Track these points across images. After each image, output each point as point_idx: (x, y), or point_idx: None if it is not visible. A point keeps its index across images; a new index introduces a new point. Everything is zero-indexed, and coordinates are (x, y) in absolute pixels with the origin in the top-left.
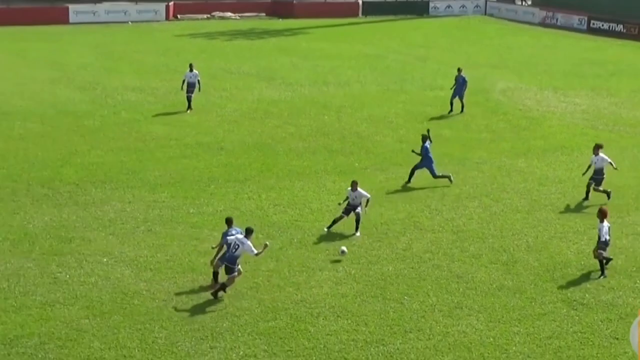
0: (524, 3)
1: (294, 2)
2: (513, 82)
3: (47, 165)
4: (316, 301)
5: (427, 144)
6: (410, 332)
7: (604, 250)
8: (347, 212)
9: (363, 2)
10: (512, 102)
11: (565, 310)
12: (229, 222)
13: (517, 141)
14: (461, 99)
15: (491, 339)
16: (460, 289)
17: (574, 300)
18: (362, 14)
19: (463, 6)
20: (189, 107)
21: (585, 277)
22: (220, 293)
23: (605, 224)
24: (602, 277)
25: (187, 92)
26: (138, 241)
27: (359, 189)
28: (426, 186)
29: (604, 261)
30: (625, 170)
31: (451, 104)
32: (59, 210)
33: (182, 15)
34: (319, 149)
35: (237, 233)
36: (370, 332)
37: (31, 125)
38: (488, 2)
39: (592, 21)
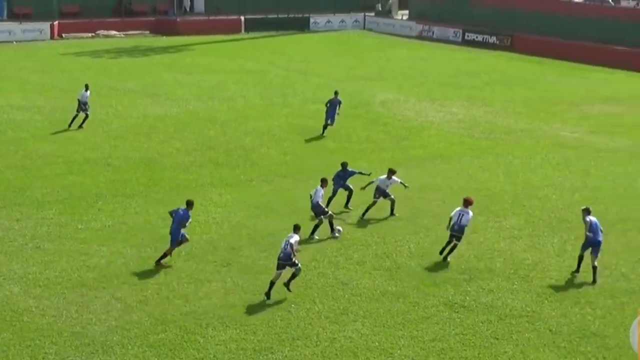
0: (402, 17)
1: (178, 19)
2: (392, 94)
3: None
4: (205, 312)
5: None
6: (298, 339)
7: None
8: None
9: (245, 19)
10: (392, 113)
11: (447, 313)
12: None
13: (397, 151)
14: (332, 120)
15: (377, 344)
16: (346, 296)
17: (456, 303)
18: (245, 30)
19: (342, 21)
20: (82, 124)
21: (466, 280)
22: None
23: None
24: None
25: (82, 110)
26: (26, 258)
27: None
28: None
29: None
30: (501, 176)
31: (325, 126)
32: None
33: (67, 34)
34: (205, 163)
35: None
36: (259, 340)
37: None
38: (366, 17)
39: (466, 33)
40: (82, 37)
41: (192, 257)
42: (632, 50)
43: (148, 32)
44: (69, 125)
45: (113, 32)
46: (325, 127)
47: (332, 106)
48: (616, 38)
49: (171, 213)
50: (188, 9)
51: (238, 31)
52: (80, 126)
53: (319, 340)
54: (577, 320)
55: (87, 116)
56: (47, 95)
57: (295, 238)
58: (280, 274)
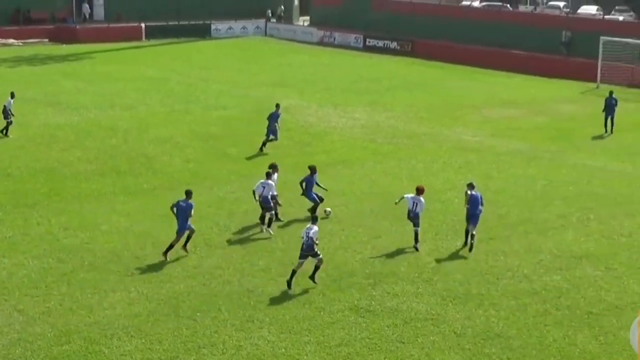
0: (304, 23)
1: (77, 27)
2: (295, 100)
3: None
4: (109, 322)
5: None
6: (204, 347)
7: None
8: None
9: (146, 26)
10: (295, 119)
11: (353, 318)
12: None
13: (301, 156)
14: (275, 135)
15: (283, 350)
16: (252, 303)
17: (361, 308)
18: (146, 37)
19: (244, 27)
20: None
21: (371, 285)
22: None
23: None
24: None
25: (5, 117)
26: None
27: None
28: (214, 204)
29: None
30: (404, 180)
31: (264, 143)
32: None
33: None
34: (107, 172)
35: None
36: (165, 349)
37: None
38: (268, 23)
39: (367, 39)
40: None
41: (96, 268)
42: (529, 55)
43: (47, 40)
44: (4, 133)
45: (11, 41)
46: (264, 143)
47: (273, 119)
48: (514, 43)
49: (172, 208)
50: (88, 17)
51: (139, 38)
52: (6, 134)
53: (225, 348)
54: (481, 322)
55: (9, 123)
56: None
57: (314, 229)
58: (302, 263)
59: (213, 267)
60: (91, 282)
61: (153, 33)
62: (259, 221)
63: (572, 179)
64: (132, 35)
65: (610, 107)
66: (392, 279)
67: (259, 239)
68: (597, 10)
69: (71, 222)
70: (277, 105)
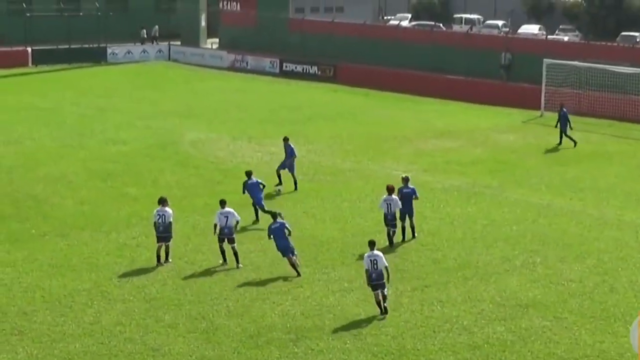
0: (212, 46)
1: None
2: (203, 132)
3: None
4: None
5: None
6: None
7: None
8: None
9: (33, 50)
10: (203, 154)
11: None
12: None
13: (212, 196)
14: (291, 171)
15: None
16: None
17: None
18: (33, 63)
19: (144, 51)
20: None
21: (293, 341)
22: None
23: (393, 197)
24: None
25: None
26: None
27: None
28: (112, 252)
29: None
30: (329, 222)
31: (278, 175)
32: None
33: None
34: None
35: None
36: None
37: None
38: (172, 47)
39: (284, 63)
40: None
41: None
42: (466, 80)
43: None
44: None
45: None
46: (295, 182)
47: (287, 154)
48: (449, 66)
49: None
50: None
51: (25, 64)
52: None
53: None
54: None
55: None
56: None
57: (383, 259)
58: (378, 294)
59: (113, 323)
60: None
61: (40, 58)
62: (221, 260)
63: (515, 217)
64: (16, 61)
65: (563, 118)
66: (317, 333)
67: (164, 291)
68: (540, 30)
69: None
70: (285, 139)
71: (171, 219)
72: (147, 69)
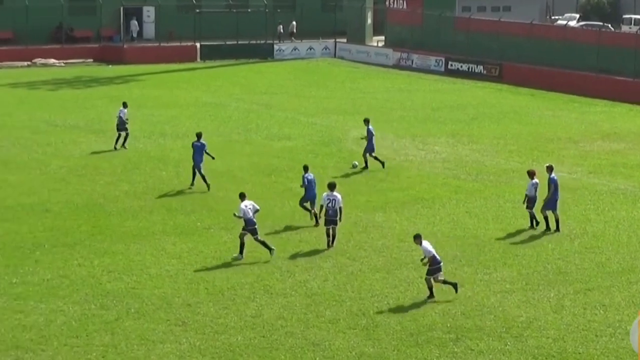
0: (378, 44)
1: (125, 46)
2: None
3: None
4: None
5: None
6: None
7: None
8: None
9: (201, 46)
10: None
11: None
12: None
13: (374, 194)
14: (368, 153)
15: None
16: (317, 358)
17: None
18: (201, 58)
19: (311, 48)
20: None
21: (453, 340)
22: None
23: (534, 181)
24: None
25: (122, 129)
26: None
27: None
28: (276, 246)
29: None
30: (491, 222)
31: (366, 159)
32: None
33: None
34: (157, 208)
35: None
36: None
37: None
38: (338, 44)
39: (450, 62)
40: (17, 66)
41: (143, 315)
42: (634, 81)
43: (91, 60)
44: (114, 147)
45: (52, 61)
46: (381, 162)
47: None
48: (617, 67)
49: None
50: (136, 35)
51: (193, 59)
52: (123, 145)
53: None
54: None
55: (128, 135)
56: None
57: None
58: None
59: (274, 317)
60: (137, 332)
61: (209, 54)
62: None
63: None
64: (185, 56)
65: None
66: (477, 334)
67: (325, 287)
68: None
69: (116, 265)
70: (367, 121)
71: (341, 204)
72: (312, 66)
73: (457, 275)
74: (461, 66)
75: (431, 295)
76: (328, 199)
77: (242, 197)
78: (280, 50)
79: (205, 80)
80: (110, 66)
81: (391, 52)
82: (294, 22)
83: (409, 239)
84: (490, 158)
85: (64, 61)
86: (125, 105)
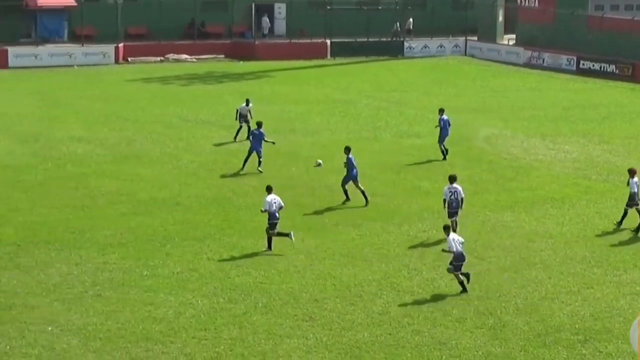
0: (509, 42)
1: (256, 42)
2: (497, 129)
3: None
4: None
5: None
6: None
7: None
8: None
9: (332, 43)
10: (497, 150)
11: None
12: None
13: (503, 193)
14: (441, 142)
15: None
16: (443, 357)
17: None
18: (331, 55)
19: (441, 46)
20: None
21: (581, 342)
22: None
23: (635, 179)
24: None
25: (244, 122)
26: (86, 307)
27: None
28: (402, 243)
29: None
30: (623, 224)
31: (442, 151)
32: None
33: (133, 58)
34: (286, 204)
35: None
36: None
37: None
38: (468, 42)
39: (581, 61)
40: (150, 62)
41: (270, 310)
42: None
43: (223, 56)
44: (235, 139)
45: (184, 56)
46: (445, 154)
47: (443, 128)
48: None
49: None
50: (267, 31)
51: (324, 56)
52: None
53: None
54: None
55: (241, 127)
56: (111, 126)
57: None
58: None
59: (401, 314)
60: (265, 326)
61: (339, 51)
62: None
63: None
64: (316, 53)
65: None
66: (606, 336)
67: (452, 285)
68: None
69: (244, 259)
70: (441, 110)
71: (462, 195)
72: (442, 64)
73: (585, 277)
74: (593, 65)
75: (464, 289)
76: (450, 192)
77: (269, 190)
78: (410, 48)
79: (335, 77)
80: (241, 62)
81: (522, 51)
82: (411, 20)
83: (538, 239)
84: (621, 158)
85: (196, 57)
86: (247, 102)
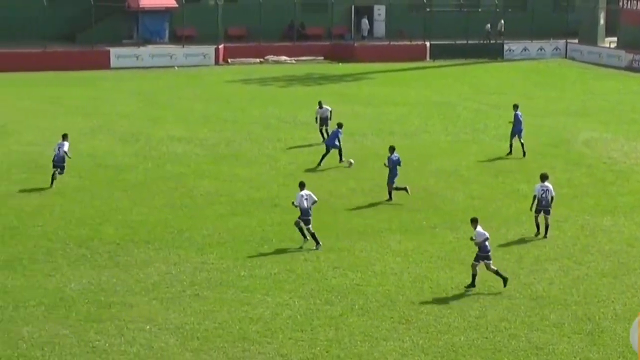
0: (610, 45)
1: (355, 44)
2: (597, 132)
3: (85, 223)
4: None
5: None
6: None
7: None
8: None
9: (431, 45)
10: (596, 154)
11: None
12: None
13: (602, 197)
14: (520, 139)
15: None
16: None
17: None
18: (430, 57)
19: (541, 49)
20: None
21: None
22: None
23: None
24: None
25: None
26: (184, 307)
27: None
28: (501, 248)
29: None
30: None
31: (510, 145)
32: (97, 273)
33: (233, 59)
34: (383, 206)
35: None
36: None
37: (68, 179)
38: (569, 45)
39: None
40: (250, 63)
41: (367, 312)
42: None
43: (322, 58)
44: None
45: (283, 58)
46: (516, 147)
47: (516, 123)
48: None
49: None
50: (367, 33)
51: (423, 58)
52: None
53: None
54: None
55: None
56: (211, 126)
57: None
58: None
59: (497, 319)
60: (361, 328)
61: (438, 53)
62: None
63: None
64: (415, 55)
65: None
66: None
67: (551, 290)
68: None
69: (341, 261)
70: (515, 106)
71: (553, 194)
72: (542, 67)
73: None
74: None
75: (472, 284)
76: (542, 189)
77: (301, 186)
78: (510, 51)
79: (434, 79)
80: (340, 64)
81: (624, 54)
82: (502, 21)
83: (638, 244)
84: None
85: (295, 58)
86: (320, 104)
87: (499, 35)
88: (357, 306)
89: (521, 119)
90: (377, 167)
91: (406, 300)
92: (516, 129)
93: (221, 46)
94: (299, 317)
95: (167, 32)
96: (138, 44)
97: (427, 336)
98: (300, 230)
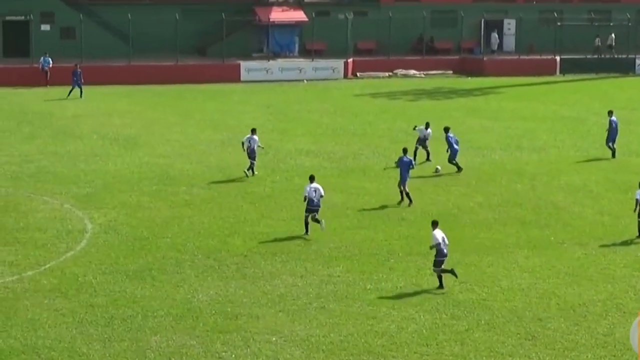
0: None
1: (484, 59)
2: None
3: (213, 235)
4: None
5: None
6: None
7: None
8: None
9: (561, 59)
10: None
11: None
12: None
13: None
14: (613, 143)
15: None
16: None
17: None
18: (560, 72)
19: None
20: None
21: None
22: None
23: None
24: None
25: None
26: (310, 319)
27: None
28: (630, 265)
29: None
30: None
31: (610, 148)
32: (225, 284)
33: (362, 73)
34: (510, 221)
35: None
36: None
37: (197, 190)
38: None
39: None
40: (378, 77)
41: (493, 327)
42: None
43: (451, 72)
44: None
45: (412, 72)
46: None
47: (612, 128)
48: None
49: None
50: (496, 47)
51: (552, 73)
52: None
53: None
54: None
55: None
56: (339, 140)
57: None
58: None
59: (626, 337)
60: (487, 344)
61: (569, 67)
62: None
63: None
64: (544, 69)
65: None
66: None
67: None
68: None
69: (468, 276)
70: (610, 112)
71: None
72: None
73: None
74: None
75: (440, 286)
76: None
77: (311, 179)
78: None
79: (564, 93)
80: (469, 78)
81: None
82: (613, 35)
83: None
84: None
85: (424, 72)
86: (427, 126)
87: (608, 48)
88: (483, 321)
89: (615, 125)
90: (504, 182)
91: (533, 317)
92: (612, 135)
93: (350, 60)
94: (424, 331)
95: (297, 45)
96: (268, 58)
97: (554, 353)
98: (307, 224)
